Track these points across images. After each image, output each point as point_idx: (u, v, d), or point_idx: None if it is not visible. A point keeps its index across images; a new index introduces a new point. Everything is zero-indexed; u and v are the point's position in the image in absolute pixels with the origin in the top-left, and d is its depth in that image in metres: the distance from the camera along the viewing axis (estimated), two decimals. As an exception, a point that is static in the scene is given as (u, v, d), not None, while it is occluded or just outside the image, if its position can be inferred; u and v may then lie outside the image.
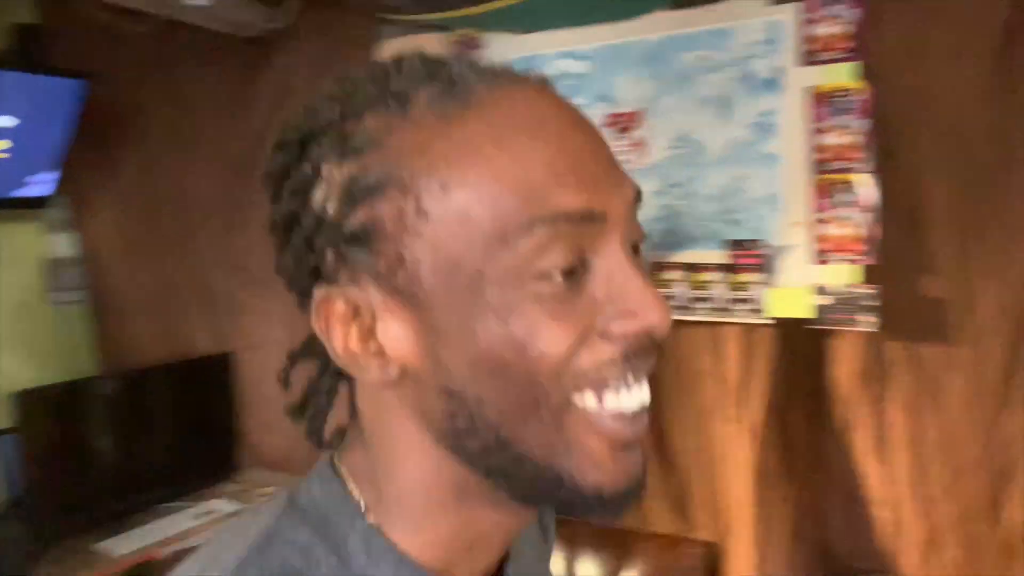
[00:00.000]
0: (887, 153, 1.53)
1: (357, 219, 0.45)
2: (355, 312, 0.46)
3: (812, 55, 1.58)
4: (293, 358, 0.55)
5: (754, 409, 1.70)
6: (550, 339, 0.43)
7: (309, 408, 0.54)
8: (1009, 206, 1.48)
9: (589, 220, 0.44)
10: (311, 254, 0.47)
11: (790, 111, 1.60)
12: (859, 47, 1.53)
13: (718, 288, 1.69)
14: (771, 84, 1.62)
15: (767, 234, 1.64)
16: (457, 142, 0.44)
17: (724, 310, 1.68)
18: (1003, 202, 1.48)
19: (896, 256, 1.54)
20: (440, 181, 0.44)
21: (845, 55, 1.54)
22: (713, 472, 1.77)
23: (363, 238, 0.45)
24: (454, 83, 0.45)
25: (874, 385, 1.62)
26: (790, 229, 1.62)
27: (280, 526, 0.48)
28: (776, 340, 1.68)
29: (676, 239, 1.73)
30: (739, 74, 1.65)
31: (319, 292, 0.47)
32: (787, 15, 1.60)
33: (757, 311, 1.65)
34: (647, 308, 0.44)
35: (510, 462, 0.46)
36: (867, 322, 1.53)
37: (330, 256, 0.47)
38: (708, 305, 1.70)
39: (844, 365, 1.64)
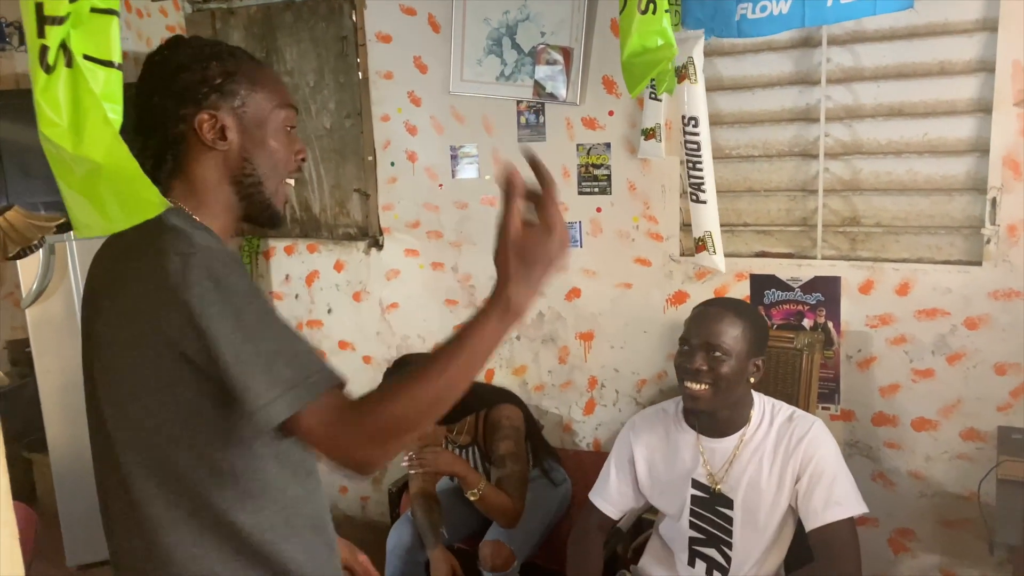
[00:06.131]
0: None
1: (231, 86, 1.11)
2: (213, 119, 1.10)
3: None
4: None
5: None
6: (288, 150, 1.18)
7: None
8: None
9: (294, 110, 1.19)
10: (205, 95, 1.10)
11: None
12: None
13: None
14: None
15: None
16: (260, 76, 1.15)
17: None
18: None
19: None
20: (255, 85, 1.14)
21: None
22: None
23: (231, 93, 1.11)
24: (252, 56, 1.18)
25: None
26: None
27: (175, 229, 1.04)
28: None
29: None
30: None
31: (204, 111, 1.09)
32: None
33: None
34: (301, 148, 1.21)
35: (257, 195, 1.15)
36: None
37: (214, 97, 1.10)
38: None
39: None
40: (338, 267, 3.29)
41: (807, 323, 2.50)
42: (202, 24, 3.34)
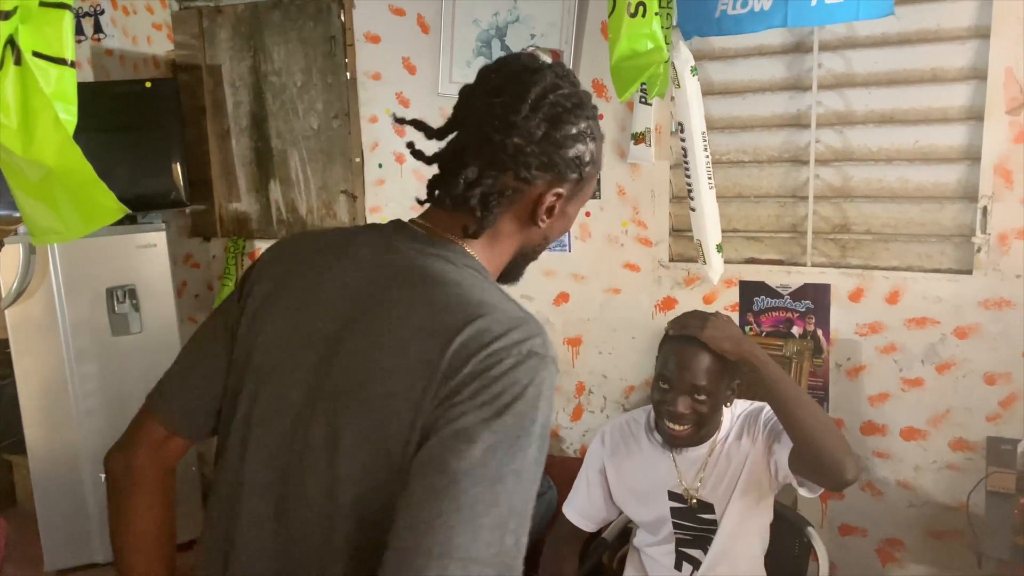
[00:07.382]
0: None
1: (591, 169, 1.02)
2: (558, 197, 0.99)
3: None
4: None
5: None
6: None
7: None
8: None
9: None
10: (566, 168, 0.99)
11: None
12: None
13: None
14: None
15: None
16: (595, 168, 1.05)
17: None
18: None
19: None
20: (598, 168, 1.06)
21: None
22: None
23: (588, 179, 1.03)
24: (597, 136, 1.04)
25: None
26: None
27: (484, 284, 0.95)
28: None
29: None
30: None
31: (558, 189, 0.99)
32: None
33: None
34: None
35: (525, 265, 1.08)
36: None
37: (574, 177, 1.00)
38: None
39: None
40: (324, 269, 3.24)
41: (796, 331, 2.47)
42: (189, 22, 3.30)
